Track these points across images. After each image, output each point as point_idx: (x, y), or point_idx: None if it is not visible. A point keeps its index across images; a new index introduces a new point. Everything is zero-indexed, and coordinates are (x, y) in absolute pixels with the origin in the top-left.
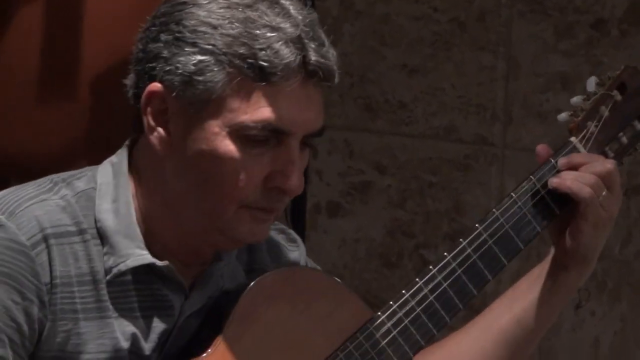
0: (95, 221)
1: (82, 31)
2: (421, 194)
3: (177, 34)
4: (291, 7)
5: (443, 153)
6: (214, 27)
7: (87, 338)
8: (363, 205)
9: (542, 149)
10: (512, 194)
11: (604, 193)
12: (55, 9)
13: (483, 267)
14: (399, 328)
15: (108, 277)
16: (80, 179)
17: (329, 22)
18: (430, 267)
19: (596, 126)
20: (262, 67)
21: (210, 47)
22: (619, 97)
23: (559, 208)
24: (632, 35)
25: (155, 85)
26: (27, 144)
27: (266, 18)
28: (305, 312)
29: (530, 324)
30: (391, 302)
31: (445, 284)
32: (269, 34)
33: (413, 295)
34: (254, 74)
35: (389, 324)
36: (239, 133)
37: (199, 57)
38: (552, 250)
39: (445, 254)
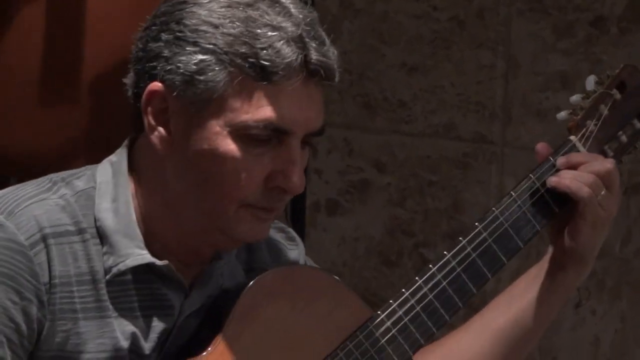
0: (95, 220)
1: (82, 31)
2: (420, 192)
3: (178, 33)
4: (291, 6)
5: (442, 151)
6: (215, 27)
7: (87, 338)
8: (362, 204)
9: (541, 147)
10: (511, 192)
11: (602, 192)
12: (55, 9)
13: (482, 265)
14: (398, 326)
15: (107, 277)
16: (80, 178)
17: (328, 20)
18: (430, 265)
19: (595, 125)
20: (263, 66)
21: (211, 46)
22: (618, 96)
23: (558, 207)
24: (631, 33)
25: (156, 85)
26: (27, 144)
27: (267, 17)
28: (304, 310)
29: (528, 323)
30: (391, 301)
31: (444, 283)
32: (270, 33)
33: (413, 294)
34: (255, 74)
35: (388, 323)
36: (240, 133)
37: (200, 57)
38: (550, 249)
39: (444, 252)
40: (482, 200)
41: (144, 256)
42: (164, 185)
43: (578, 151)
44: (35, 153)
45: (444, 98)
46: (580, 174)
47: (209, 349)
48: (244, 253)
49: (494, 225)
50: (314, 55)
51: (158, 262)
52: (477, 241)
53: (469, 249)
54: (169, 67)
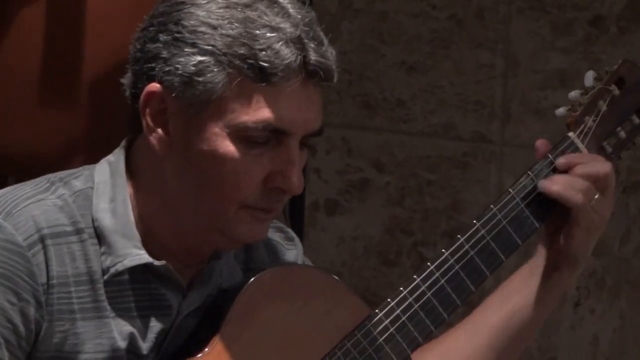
0: (93, 221)
1: (82, 31)
2: (420, 191)
3: (176, 34)
4: (290, 7)
5: (441, 151)
6: (214, 28)
7: (85, 338)
8: (361, 203)
9: (541, 144)
10: (509, 190)
11: (596, 196)
12: (55, 9)
13: (481, 263)
14: (396, 325)
15: (105, 277)
16: (78, 178)
17: (327, 19)
18: (428, 264)
19: (594, 121)
20: (262, 67)
21: (210, 47)
22: (617, 92)
23: (555, 204)
24: (630, 32)
25: (154, 86)
26: (27, 144)
27: (266, 18)
28: (303, 309)
29: (523, 321)
30: (389, 300)
31: (443, 281)
32: (269, 34)
33: (411, 292)
34: (254, 75)
35: (386, 322)
36: (239, 134)
37: (199, 58)
38: (541, 247)
39: (443, 250)
40: (481, 199)
41: (142, 256)
42: (163, 185)
43: (577, 147)
44: (35, 153)
45: (443, 97)
46: (573, 179)
47: (207, 349)
48: (242, 253)
49: (492, 222)
50: (312, 56)
51: (156, 262)
52: (475, 239)
53: (467, 246)
54: (167, 69)
